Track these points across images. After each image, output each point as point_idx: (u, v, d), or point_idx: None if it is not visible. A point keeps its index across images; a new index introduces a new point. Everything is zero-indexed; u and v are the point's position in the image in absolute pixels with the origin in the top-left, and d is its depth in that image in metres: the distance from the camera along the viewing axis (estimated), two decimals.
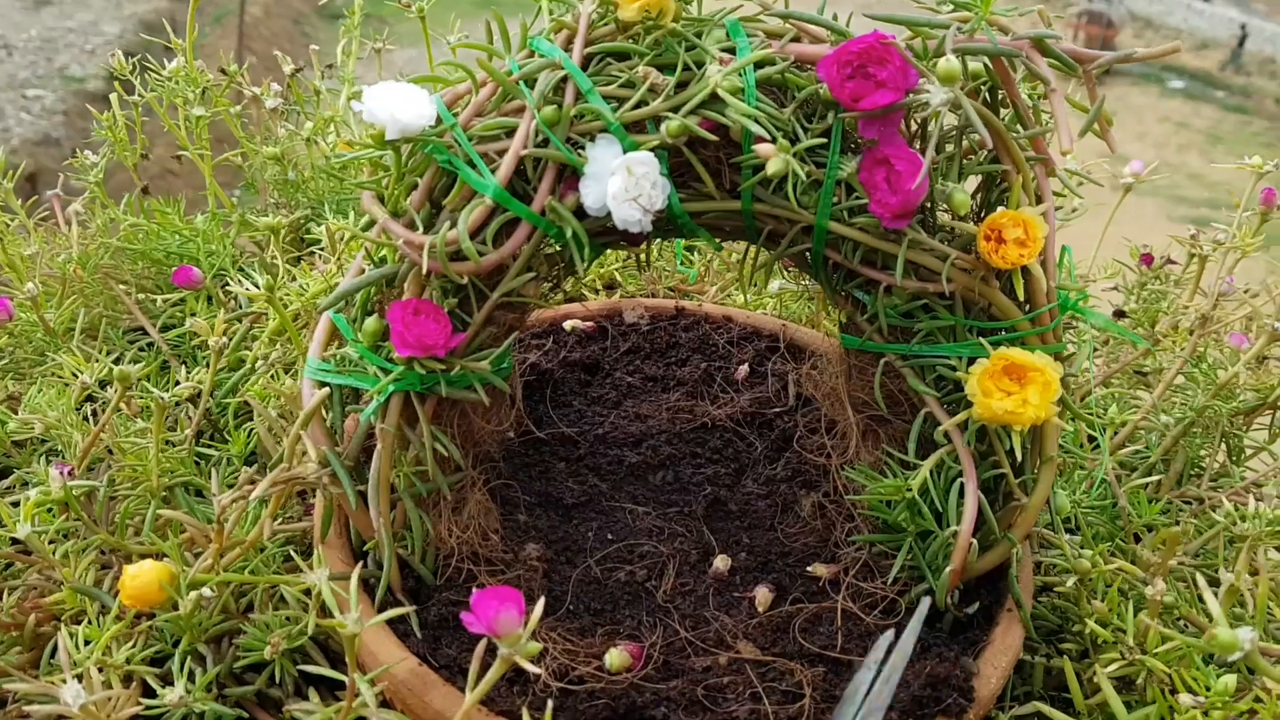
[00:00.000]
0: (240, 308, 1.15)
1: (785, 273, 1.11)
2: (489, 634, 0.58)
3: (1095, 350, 1.13)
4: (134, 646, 0.70)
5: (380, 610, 0.70)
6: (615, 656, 0.69)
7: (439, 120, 0.68)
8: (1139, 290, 1.21)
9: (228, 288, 1.22)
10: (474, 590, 0.72)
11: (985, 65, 0.70)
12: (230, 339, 0.96)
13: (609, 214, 0.68)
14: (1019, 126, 0.72)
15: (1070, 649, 0.79)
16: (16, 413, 0.93)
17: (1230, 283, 1.19)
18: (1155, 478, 0.97)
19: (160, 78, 1.24)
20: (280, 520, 0.79)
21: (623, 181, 0.66)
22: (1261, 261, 1.18)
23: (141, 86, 1.26)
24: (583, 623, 0.73)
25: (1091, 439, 1.06)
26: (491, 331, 0.72)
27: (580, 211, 0.69)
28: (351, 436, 0.73)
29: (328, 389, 0.70)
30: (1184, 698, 0.66)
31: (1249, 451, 1.10)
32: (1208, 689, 0.67)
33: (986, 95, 0.72)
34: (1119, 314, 1.20)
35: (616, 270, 1.12)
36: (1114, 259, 1.24)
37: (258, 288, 0.92)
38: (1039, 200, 0.72)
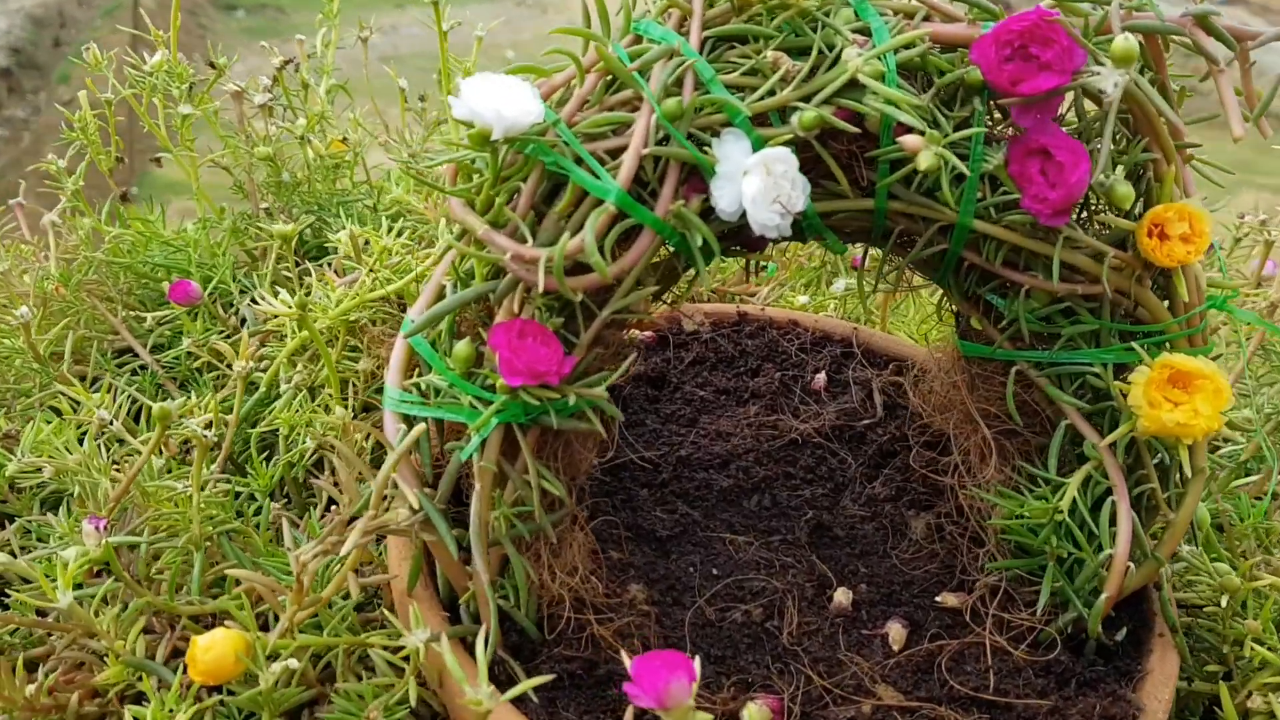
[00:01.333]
0: (244, 324, 1.05)
1: (852, 270, 1.05)
2: (657, 706, 0.50)
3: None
4: None
5: (490, 675, 0.62)
6: (754, 713, 0.61)
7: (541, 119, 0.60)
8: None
9: (227, 301, 1.12)
10: (584, 647, 0.65)
11: (1140, 44, 0.63)
12: (253, 362, 0.86)
13: (741, 217, 0.60)
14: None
15: (1212, 669, 0.73)
16: (12, 452, 0.82)
17: (1274, 268, 1.16)
18: (1252, 478, 0.92)
19: (140, 73, 1.12)
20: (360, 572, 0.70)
21: (761, 182, 0.59)
22: None
23: (117, 83, 1.14)
24: (706, 673, 0.66)
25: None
26: (599, 353, 0.64)
27: (704, 214, 0.61)
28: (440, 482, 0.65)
29: (423, 424, 0.62)
30: None
31: None
32: None
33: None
34: None
35: None
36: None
37: (282, 304, 0.82)
38: (1185, 194, 0.67)
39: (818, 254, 1.10)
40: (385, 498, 0.63)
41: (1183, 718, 0.74)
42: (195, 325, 1.07)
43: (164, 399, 1.04)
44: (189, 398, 0.86)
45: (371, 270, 0.91)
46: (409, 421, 0.64)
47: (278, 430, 0.90)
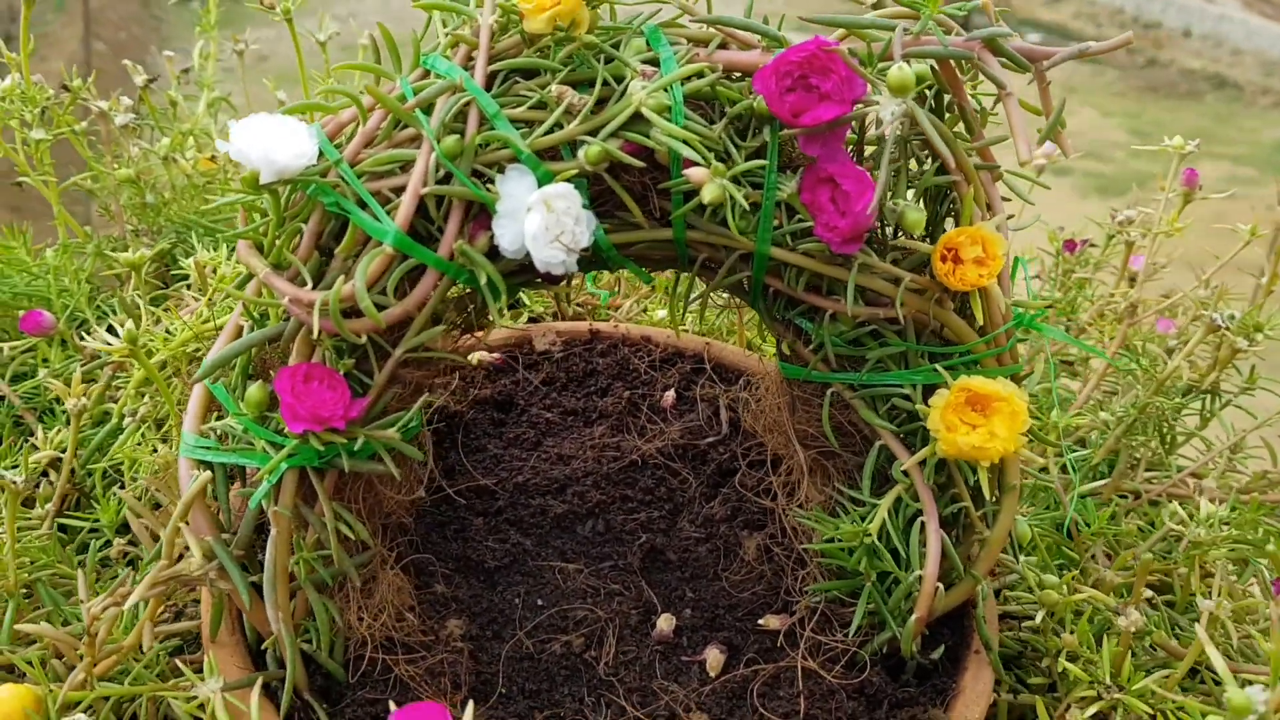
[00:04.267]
0: (98, 356, 1.03)
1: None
2: None
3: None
4: None
5: (288, 719, 0.62)
6: None
7: (321, 156, 0.59)
8: (1064, 278, 1.18)
9: (83, 329, 1.10)
10: (391, 688, 0.64)
11: (931, 68, 0.63)
12: (89, 398, 0.84)
13: (527, 255, 0.60)
14: (967, 136, 0.66)
15: (1037, 683, 0.74)
16: None
17: (1139, 263, 1.17)
18: (1100, 483, 0.93)
19: None
20: (161, 618, 0.69)
21: (542, 219, 0.58)
22: (1181, 244, 1.16)
23: None
24: (519, 709, 0.65)
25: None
26: (396, 391, 0.63)
27: (493, 252, 0.61)
28: (239, 516, 0.64)
29: (209, 472, 0.61)
30: None
31: (1180, 439, 1.08)
32: None
33: (932, 101, 0.66)
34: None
35: (522, 292, 1.04)
36: (1034, 246, 1.21)
37: (117, 337, 0.81)
38: (989, 210, 0.67)
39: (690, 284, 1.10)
40: (183, 546, 0.62)
41: None
42: (54, 354, 1.05)
43: (22, 431, 1.03)
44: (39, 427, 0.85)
45: (210, 301, 0.89)
46: (206, 467, 0.63)
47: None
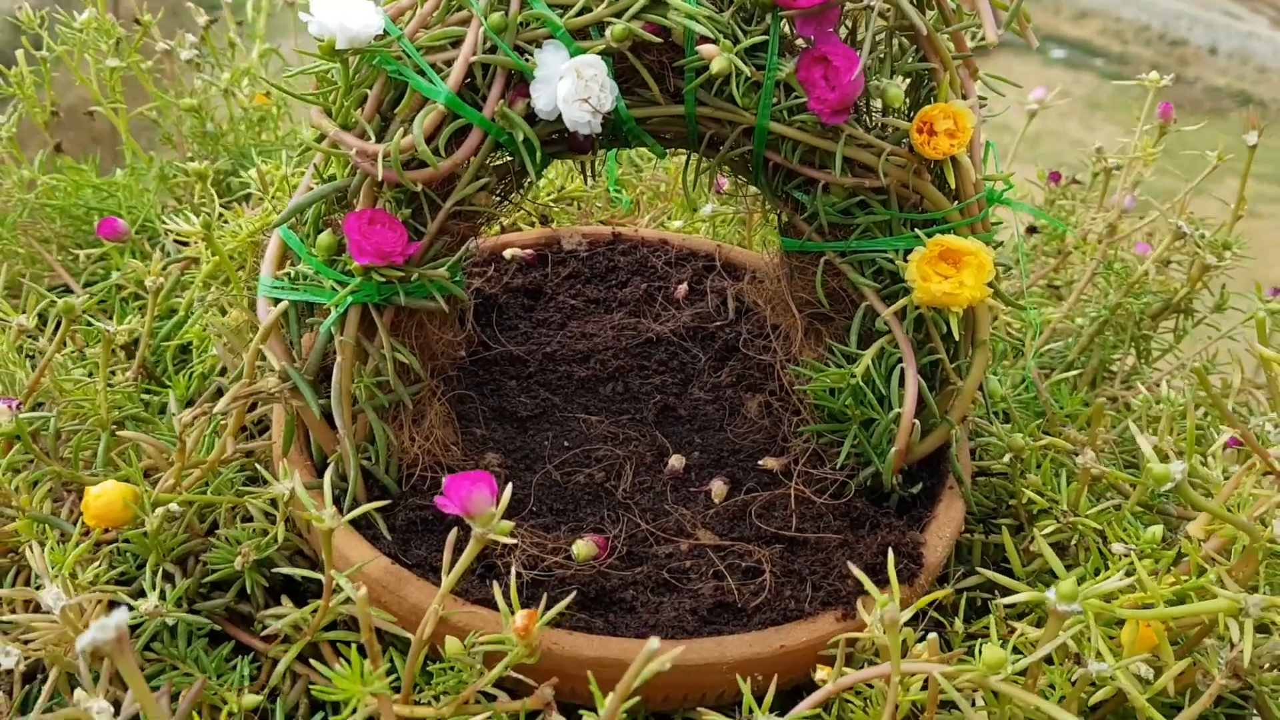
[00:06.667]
0: (167, 257, 1.14)
1: (717, 195, 1.14)
2: (462, 513, 0.59)
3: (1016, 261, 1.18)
4: (100, 567, 0.69)
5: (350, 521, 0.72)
6: (582, 547, 0.71)
7: (385, 34, 0.69)
8: (1049, 206, 1.27)
9: (154, 240, 1.21)
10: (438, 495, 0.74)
11: None
12: (166, 278, 0.95)
13: (559, 117, 0.70)
14: (944, 26, 0.75)
15: (1007, 523, 0.83)
16: None
17: (1131, 202, 1.26)
18: (1075, 372, 1.02)
19: (71, 29, 1.21)
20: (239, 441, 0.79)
21: (572, 84, 0.68)
22: (1158, 184, 1.25)
23: (50, 39, 1.23)
24: (546, 522, 0.75)
25: (1017, 352, 1.11)
26: (446, 241, 0.73)
27: (530, 118, 0.71)
28: (309, 353, 0.74)
29: (285, 303, 0.71)
30: (1116, 546, 0.70)
31: (1156, 353, 1.17)
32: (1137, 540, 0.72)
33: None
34: (1030, 230, 1.26)
35: (550, 202, 1.14)
36: (1024, 179, 1.30)
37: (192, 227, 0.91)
38: (963, 97, 0.76)
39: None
40: (259, 370, 0.72)
41: (981, 564, 0.84)
42: (123, 260, 1.15)
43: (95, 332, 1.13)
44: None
45: (273, 198, 1.00)
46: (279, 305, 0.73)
47: (191, 344, 0.99)
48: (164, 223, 1.16)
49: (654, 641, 0.46)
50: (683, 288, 0.99)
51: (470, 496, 0.59)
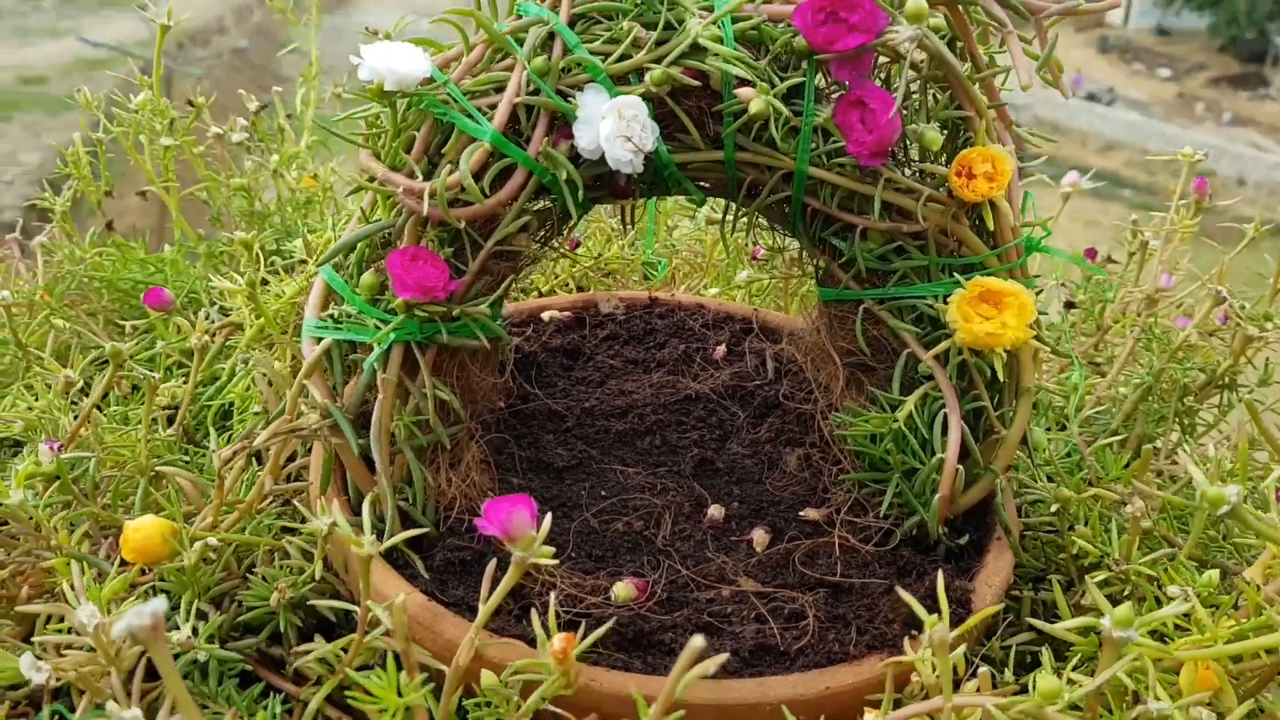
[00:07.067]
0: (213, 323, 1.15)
1: (753, 262, 1.15)
2: (502, 535, 0.59)
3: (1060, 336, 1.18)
4: (135, 602, 0.69)
5: (387, 559, 0.71)
6: (621, 589, 0.70)
7: (432, 80, 0.71)
8: (1085, 283, 1.26)
9: (200, 313, 1.22)
10: (479, 538, 0.73)
11: (945, 17, 0.75)
12: (212, 338, 0.96)
13: (601, 158, 0.71)
14: (976, 74, 0.76)
15: (1057, 579, 0.81)
16: None
17: (1169, 280, 1.26)
18: (1119, 437, 1.01)
19: (128, 111, 1.25)
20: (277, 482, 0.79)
21: (614, 123, 0.69)
22: (1195, 262, 1.24)
23: (107, 122, 1.27)
24: (585, 567, 0.74)
25: (1061, 424, 1.09)
26: (487, 281, 0.74)
27: (573, 160, 0.72)
28: (350, 396, 0.74)
29: (328, 339, 0.72)
30: (1171, 589, 0.68)
31: (1201, 428, 1.14)
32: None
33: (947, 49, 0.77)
34: (1069, 305, 1.25)
35: (589, 270, 1.15)
36: (1061, 268, 1.30)
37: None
38: (999, 144, 0.77)
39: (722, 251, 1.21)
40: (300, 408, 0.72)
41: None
42: (169, 334, 1.17)
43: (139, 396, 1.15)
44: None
45: (318, 264, 1.01)
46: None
47: (233, 405, 1.00)
48: (209, 285, 1.19)
49: (698, 639, 0.45)
50: (721, 349, 0.99)
51: (511, 518, 0.58)
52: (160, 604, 0.43)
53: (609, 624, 0.62)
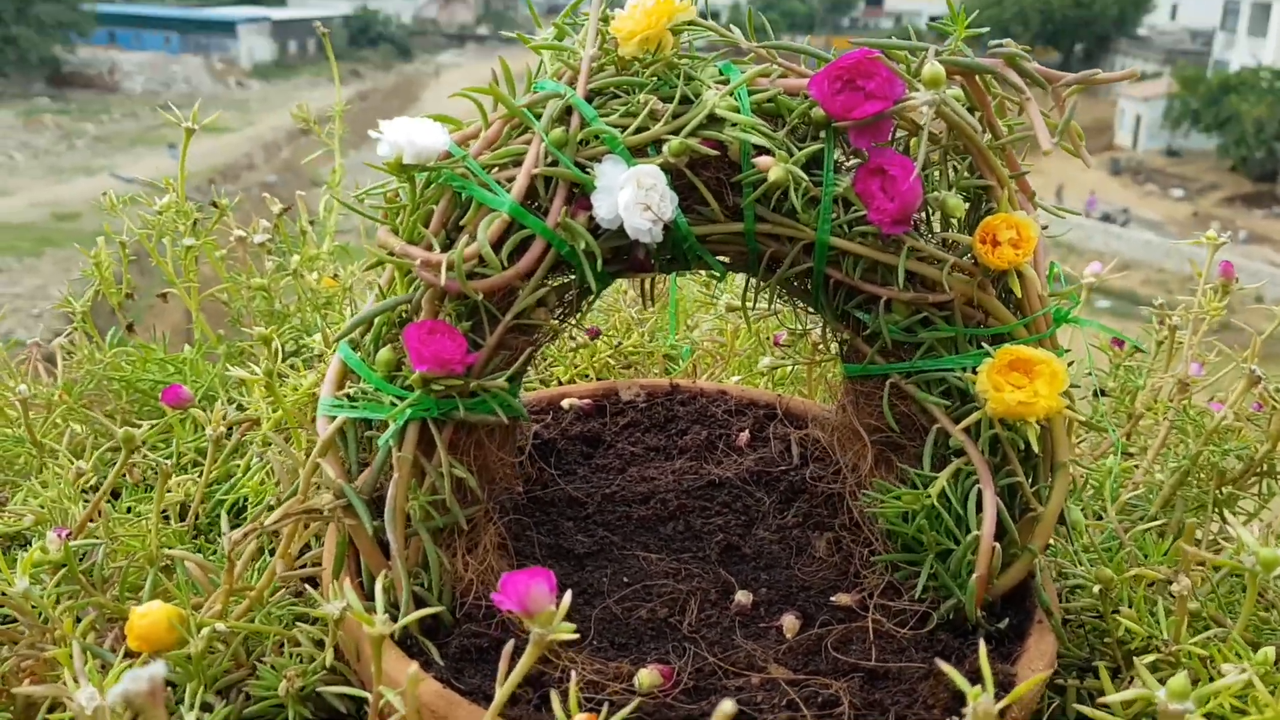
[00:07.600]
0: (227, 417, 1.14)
1: (775, 348, 1.14)
2: (520, 610, 0.56)
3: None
4: None
5: (402, 647, 0.68)
6: (646, 676, 0.66)
7: (450, 155, 0.71)
8: (1115, 371, 1.24)
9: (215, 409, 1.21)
10: (493, 626, 0.70)
11: (963, 88, 0.74)
12: (226, 428, 0.95)
13: (620, 229, 0.70)
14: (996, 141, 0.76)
15: (1104, 665, 0.77)
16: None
17: (1199, 369, 1.23)
18: (1159, 522, 0.97)
19: (151, 213, 1.26)
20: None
21: (632, 192, 0.69)
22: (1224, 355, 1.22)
23: (130, 223, 1.28)
24: (608, 654, 0.71)
25: (1098, 515, 1.06)
26: (505, 355, 0.73)
27: (592, 232, 0.71)
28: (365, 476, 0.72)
29: (343, 417, 0.70)
30: (1226, 667, 0.64)
31: (1242, 516, 1.11)
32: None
33: None
34: (1100, 393, 1.23)
35: (609, 360, 1.14)
36: (1089, 348, 1.28)
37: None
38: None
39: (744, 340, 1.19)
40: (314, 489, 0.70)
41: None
42: (186, 433, 1.16)
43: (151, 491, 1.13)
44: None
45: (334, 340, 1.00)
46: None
47: (247, 501, 0.98)
48: (227, 379, 1.18)
49: (728, 704, 0.42)
50: (744, 435, 0.97)
51: (529, 592, 0.56)
52: (159, 668, 0.41)
53: (632, 706, 0.58)
